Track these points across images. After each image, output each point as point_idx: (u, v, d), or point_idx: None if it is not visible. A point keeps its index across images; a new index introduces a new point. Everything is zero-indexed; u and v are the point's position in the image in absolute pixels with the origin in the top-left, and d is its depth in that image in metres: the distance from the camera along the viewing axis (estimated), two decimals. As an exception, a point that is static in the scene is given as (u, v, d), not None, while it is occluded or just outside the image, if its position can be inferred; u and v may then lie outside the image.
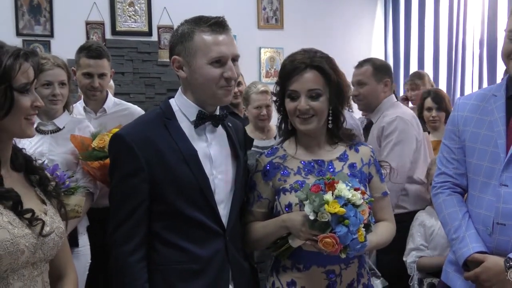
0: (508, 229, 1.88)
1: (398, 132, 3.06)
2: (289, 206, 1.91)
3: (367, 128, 3.46)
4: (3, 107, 1.44)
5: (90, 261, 2.81)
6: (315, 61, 1.92)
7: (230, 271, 1.86)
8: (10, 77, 1.44)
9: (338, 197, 1.70)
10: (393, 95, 3.34)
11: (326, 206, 1.68)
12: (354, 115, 3.58)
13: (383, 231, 2.00)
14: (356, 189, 1.74)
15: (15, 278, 1.47)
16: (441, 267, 2.43)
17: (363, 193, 1.77)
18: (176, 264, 1.79)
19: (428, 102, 3.93)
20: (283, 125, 2.07)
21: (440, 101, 3.92)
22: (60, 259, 1.67)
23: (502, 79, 2.10)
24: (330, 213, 1.67)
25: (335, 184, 1.73)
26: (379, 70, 3.25)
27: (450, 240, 2.06)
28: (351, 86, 3.27)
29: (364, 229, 1.72)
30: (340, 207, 1.67)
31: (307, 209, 1.71)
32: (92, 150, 2.60)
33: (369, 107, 3.33)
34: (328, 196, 1.70)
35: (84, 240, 2.80)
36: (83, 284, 2.76)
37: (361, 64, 3.32)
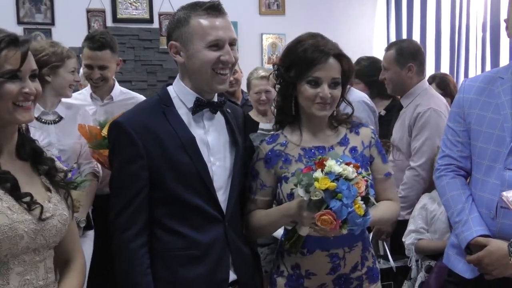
0: (512, 213, 1.87)
1: (430, 125, 3.04)
2: (290, 195, 1.90)
3: (398, 110, 3.45)
4: None
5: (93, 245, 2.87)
6: (339, 50, 1.93)
7: (230, 256, 1.87)
8: None
9: (328, 173, 1.68)
10: (425, 80, 3.32)
11: (316, 183, 1.66)
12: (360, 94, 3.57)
13: (385, 208, 1.99)
14: (348, 164, 1.72)
15: (16, 263, 1.48)
16: (438, 251, 2.44)
17: (356, 166, 1.74)
18: (177, 250, 1.80)
19: (433, 87, 3.84)
20: (283, 109, 2.03)
21: (445, 87, 3.88)
22: (67, 245, 1.68)
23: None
24: (322, 190, 1.66)
25: (324, 162, 1.72)
26: (401, 55, 3.23)
27: (453, 223, 2.05)
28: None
29: (362, 202, 1.69)
30: (331, 182, 1.66)
31: (300, 190, 1.71)
32: (103, 139, 2.61)
33: (397, 91, 3.35)
34: (318, 174, 1.68)
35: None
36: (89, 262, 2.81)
37: (388, 47, 3.35)
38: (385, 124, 3.58)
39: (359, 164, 1.80)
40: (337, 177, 1.68)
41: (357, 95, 3.42)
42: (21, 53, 1.49)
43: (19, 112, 1.51)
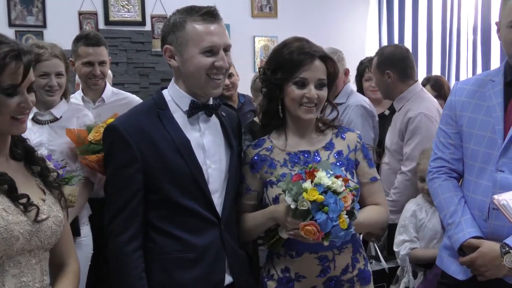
0: (504, 214, 1.88)
1: (421, 130, 3.02)
2: (276, 199, 1.92)
3: (391, 114, 3.44)
4: None
5: (92, 251, 2.81)
6: (324, 52, 1.97)
7: (226, 259, 1.88)
8: None
9: (317, 185, 1.70)
10: (418, 84, 3.26)
11: (304, 194, 1.69)
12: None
13: (370, 212, 2.00)
14: (337, 177, 1.74)
15: (11, 265, 1.49)
16: (432, 260, 2.43)
17: (345, 180, 1.77)
18: (172, 253, 1.80)
19: (427, 89, 3.74)
20: (269, 113, 2.04)
21: (439, 89, 3.87)
22: (61, 248, 1.69)
23: (502, 63, 2.09)
24: (310, 201, 1.68)
25: (315, 173, 1.74)
26: (381, 62, 3.22)
27: (446, 225, 2.07)
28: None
29: (346, 216, 1.72)
30: (319, 194, 1.68)
31: (288, 198, 1.73)
32: (89, 144, 2.59)
33: (386, 96, 3.38)
34: (307, 184, 1.71)
35: (86, 230, 2.78)
36: (85, 274, 2.77)
37: (375, 54, 3.39)
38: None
39: (347, 176, 1.84)
40: (326, 190, 1.70)
41: (357, 98, 3.43)
42: (24, 67, 1.49)
43: (16, 125, 1.53)
